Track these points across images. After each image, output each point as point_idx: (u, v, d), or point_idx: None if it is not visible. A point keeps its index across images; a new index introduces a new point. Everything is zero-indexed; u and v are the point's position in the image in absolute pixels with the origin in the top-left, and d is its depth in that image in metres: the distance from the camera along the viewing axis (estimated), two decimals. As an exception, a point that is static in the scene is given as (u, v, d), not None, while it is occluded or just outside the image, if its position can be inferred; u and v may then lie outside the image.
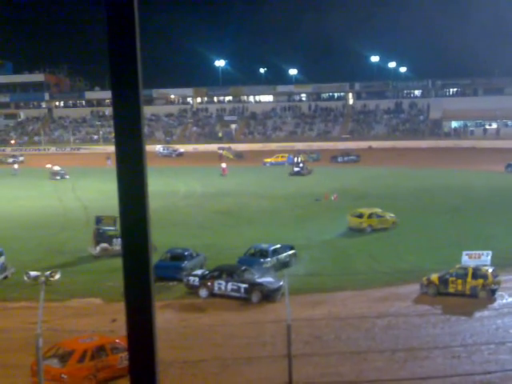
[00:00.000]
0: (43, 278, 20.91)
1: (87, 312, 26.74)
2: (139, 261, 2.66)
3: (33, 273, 29.09)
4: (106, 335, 21.78)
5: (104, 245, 36.00)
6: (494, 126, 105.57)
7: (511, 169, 69.66)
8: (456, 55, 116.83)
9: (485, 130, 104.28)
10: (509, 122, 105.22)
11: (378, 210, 42.18)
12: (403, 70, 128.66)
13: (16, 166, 79.19)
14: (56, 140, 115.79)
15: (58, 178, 71.77)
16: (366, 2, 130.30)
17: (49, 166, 76.55)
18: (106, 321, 24.37)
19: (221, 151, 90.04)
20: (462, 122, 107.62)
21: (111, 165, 63.84)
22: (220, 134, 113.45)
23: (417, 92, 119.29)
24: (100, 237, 36.36)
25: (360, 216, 41.11)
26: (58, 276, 29.46)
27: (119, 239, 35.33)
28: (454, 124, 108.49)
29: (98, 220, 37.17)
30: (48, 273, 23.43)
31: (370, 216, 41.02)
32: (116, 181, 2.59)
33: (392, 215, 42.09)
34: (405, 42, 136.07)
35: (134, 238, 2.65)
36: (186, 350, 22.29)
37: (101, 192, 55.87)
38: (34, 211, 50.76)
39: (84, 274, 32.22)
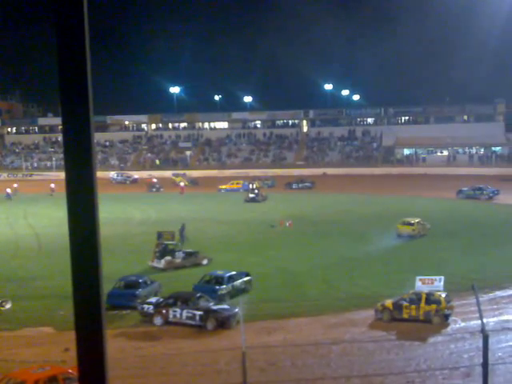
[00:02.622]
0: (-7, 308, 20.53)
1: (39, 341, 26.18)
2: (90, 289, 2.63)
3: (-18, 302, 28.54)
4: (59, 365, 21.32)
5: (168, 258, 37.95)
6: (445, 153, 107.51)
7: (462, 195, 70.85)
8: (408, 84, 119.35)
9: (436, 157, 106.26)
10: (459, 150, 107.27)
11: (420, 219, 47.73)
12: (356, 98, 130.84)
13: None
14: (8, 166, 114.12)
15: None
16: (319, 30, 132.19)
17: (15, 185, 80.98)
18: (59, 350, 23.86)
19: (180, 180, 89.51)
20: (413, 149, 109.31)
21: None
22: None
23: (370, 120, 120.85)
24: (164, 251, 38.13)
25: (411, 224, 46.89)
26: (8, 305, 28.92)
27: (180, 252, 38.00)
28: (407, 151, 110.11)
29: (159, 235, 39.64)
30: (-2, 302, 23.01)
31: (417, 224, 47.01)
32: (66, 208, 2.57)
33: (425, 222, 48.05)
34: (358, 70, 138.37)
35: (85, 265, 2.62)
36: (140, 378, 21.97)
37: (53, 219, 55.08)
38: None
39: (35, 302, 31.56)
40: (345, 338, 25.88)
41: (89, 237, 2.61)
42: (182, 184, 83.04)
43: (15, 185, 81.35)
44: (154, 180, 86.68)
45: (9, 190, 78.18)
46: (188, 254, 39.03)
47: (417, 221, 47.43)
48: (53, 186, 78.20)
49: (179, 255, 38.51)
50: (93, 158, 2.60)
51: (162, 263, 37.87)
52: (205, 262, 38.98)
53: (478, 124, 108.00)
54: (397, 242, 45.17)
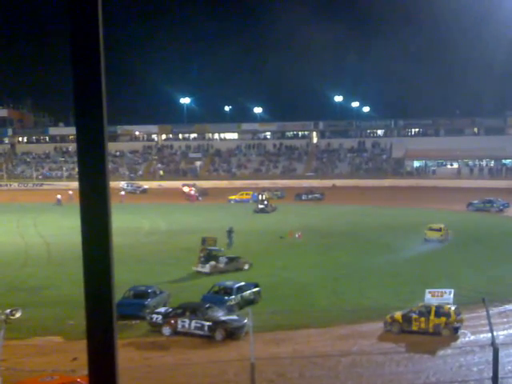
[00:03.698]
0: (3, 317, 20.51)
1: (48, 350, 26.22)
2: (102, 299, 2.64)
3: (-8, 310, 28.56)
4: (67, 374, 21.35)
5: (213, 263, 39.47)
6: (455, 165, 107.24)
7: (472, 208, 70.61)
8: (418, 96, 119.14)
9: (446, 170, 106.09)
10: (469, 162, 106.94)
11: (444, 225, 50.75)
12: (366, 109, 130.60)
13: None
14: (19, 176, 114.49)
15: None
16: (330, 42, 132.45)
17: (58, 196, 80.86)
18: (67, 359, 23.89)
19: (189, 189, 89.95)
20: (423, 161, 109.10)
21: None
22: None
23: (379, 131, 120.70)
24: (208, 256, 39.74)
25: (439, 230, 50.00)
26: (18, 314, 28.85)
27: (224, 258, 39.49)
28: (416, 163, 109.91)
29: (204, 240, 41.14)
30: (8, 311, 22.98)
31: (444, 229, 50.08)
32: (79, 217, 2.59)
33: (448, 229, 50.73)
34: (368, 82, 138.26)
35: (97, 275, 2.63)
36: (149, 389, 21.96)
37: (64, 228, 55.23)
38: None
39: (45, 311, 31.64)
40: (353, 349, 25.80)
41: (101, 245, 2.62)
42: (192, 192, 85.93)
43: (70, 192, 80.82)
44: (193, 189, 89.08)
45: (59, 197, 79.01)
46: (230, 260, 40.52)
47: (442, 226, 50.31)
48: (123, 193, 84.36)
49: (222, 260, 40.02)
50: (106, 167, 2.61)
51: (207, 268, 39.29)
52: (246, 266, 40.58)
53: (488, 137, 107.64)
54: (406, 253, 45.01)
